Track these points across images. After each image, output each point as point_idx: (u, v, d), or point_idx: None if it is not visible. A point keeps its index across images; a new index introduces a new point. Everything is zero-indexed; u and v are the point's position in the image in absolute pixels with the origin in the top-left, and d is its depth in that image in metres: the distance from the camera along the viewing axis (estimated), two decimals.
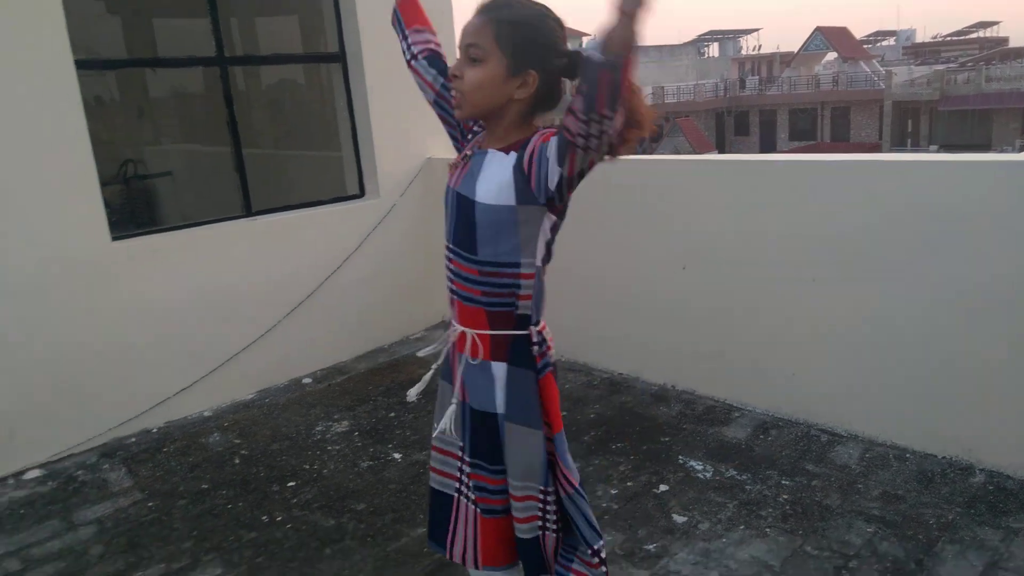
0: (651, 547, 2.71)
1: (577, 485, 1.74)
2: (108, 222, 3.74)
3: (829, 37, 48.54)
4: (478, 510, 1.78)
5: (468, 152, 1.70)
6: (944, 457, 3.10)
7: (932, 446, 3.13)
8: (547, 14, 1.56)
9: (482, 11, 1.54)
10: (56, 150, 3.55)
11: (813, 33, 49.25)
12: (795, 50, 51.94)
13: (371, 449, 3.64)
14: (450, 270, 1.71)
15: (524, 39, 1.51)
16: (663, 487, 3.10)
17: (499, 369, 1.67)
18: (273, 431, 3.90)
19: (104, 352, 3.77)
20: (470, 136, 1.83)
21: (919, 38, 68.94)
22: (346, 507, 3.15)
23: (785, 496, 2.96)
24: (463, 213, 1.63)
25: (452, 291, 1.72)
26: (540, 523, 1.73)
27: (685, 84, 48.09)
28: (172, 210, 6.80)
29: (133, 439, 3.88)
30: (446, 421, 1.75)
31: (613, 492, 3.08)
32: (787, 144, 42.12)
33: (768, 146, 42.77)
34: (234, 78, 4.83)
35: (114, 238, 3.77)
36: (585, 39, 56.88)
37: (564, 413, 1.95)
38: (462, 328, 1.70)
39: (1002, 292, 2.83)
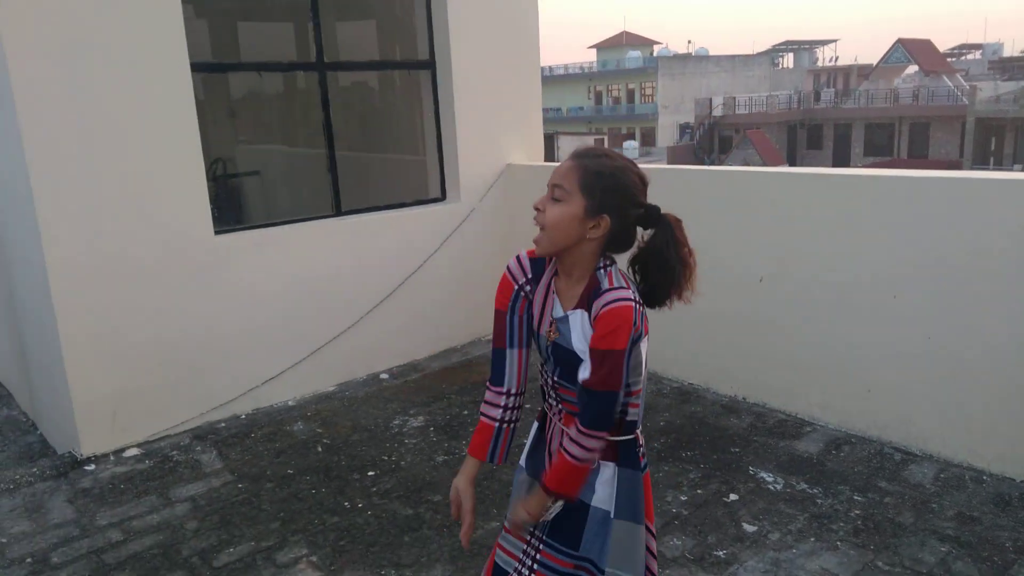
0: (721, 553, 2.76)
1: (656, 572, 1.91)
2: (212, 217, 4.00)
3: (910, 50, 47.08)
4: None
5: (539, 298, 1.81)
6: (1022, 481, 3.06)
7: (1010, 469, 3.09)
8: (631, 169, 1.71)
9: (574, 156, 1.72)
10: (172, 148, 3.82)
11: (894, 45, 47.83)
12: (874, 62, 50.57)
13: (446, 444, 3.78)
14: (558, 396, 1.81)
15: (604, 187, 1.66)
16: (733, 496, 3.14)
17: (607, 469, 1.78)
18: (353, 422, 4.08)
19: (202, 340, 4.02)
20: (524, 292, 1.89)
21: (1007, 52, 66.21)
22: (423, 498, 3.29)
23: (857, 511, 2.97)
24: (564, 360, 1.74)
25: (560, 409, 1.82)
26: None
27: (757, 95, 47.29)
28: (258, 207, 7.13)
29: (223, 424, 4.12)
30: (553, 511, 1.82)
31: (683, 499, 3.14)
32: (861, 159, 40.99)
33: (841, 161, 41.67)
34: (309, 81, 5.03)
35: (216, 232, 4.01)
36: (656, 47, 55.95)
37: None
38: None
39: None
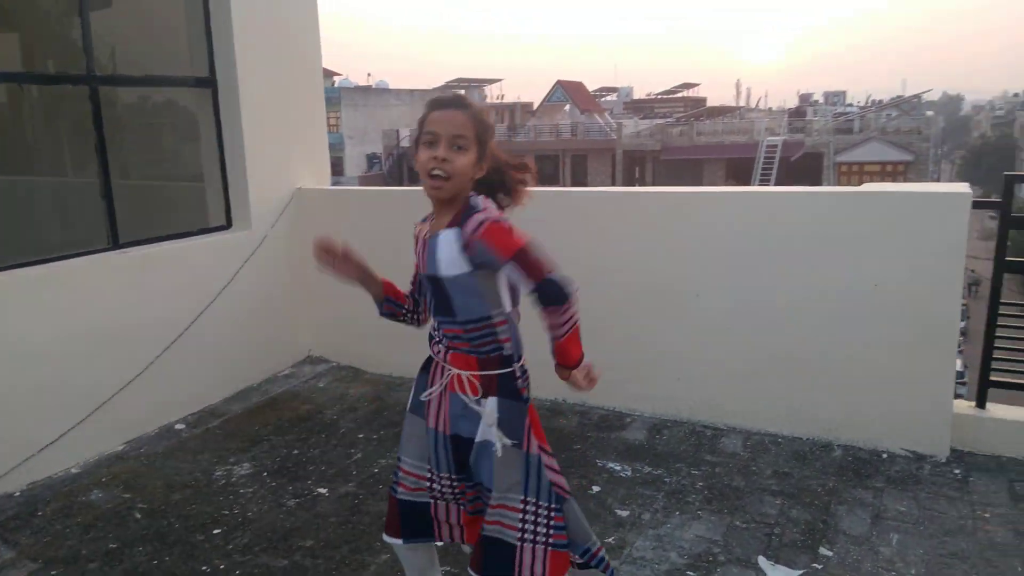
0: (611, 540, 2.98)
1: (568, 490, 2.09)
2: None
3: (568, 89, 53.20)
4: (461, 508, 2.18)
5: (422, 238, 2.02)
6: (808, 438, 3.75)
7: (797, 430, 3.77)
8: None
9: (459, 107, 1.91)
10: None
11: (554, 86, 53.62)
12: (533, 100, 56.15)
13: (290, 487, 3.52)
14: (441, 333, 2.04)
15: (485, 131, 1.93)
16: (596, 488, 3.39)
17: (490, 404, 1.98)
18: (165, 481, 3.60)
19: None
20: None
21: (636, 95, 77.76)
22: (293, 545, 3.04)
23: (700, 483, 3.39)
24: (437, 288, 1.97)
25: (447, 346, 2.04)
26: (519, 533, 1.97)
27: None
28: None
29: None
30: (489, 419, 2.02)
31: None
32: (535, 186, 45.12)
33: None
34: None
35: None
36: (337, 78, 55.59)
37: None
38: (457, 371, 2.00)
39: (857, 297, 3.54)
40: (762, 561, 2.79)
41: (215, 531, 3.16)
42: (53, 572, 2.90)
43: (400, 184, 47.58)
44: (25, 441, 3.53)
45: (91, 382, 3.81)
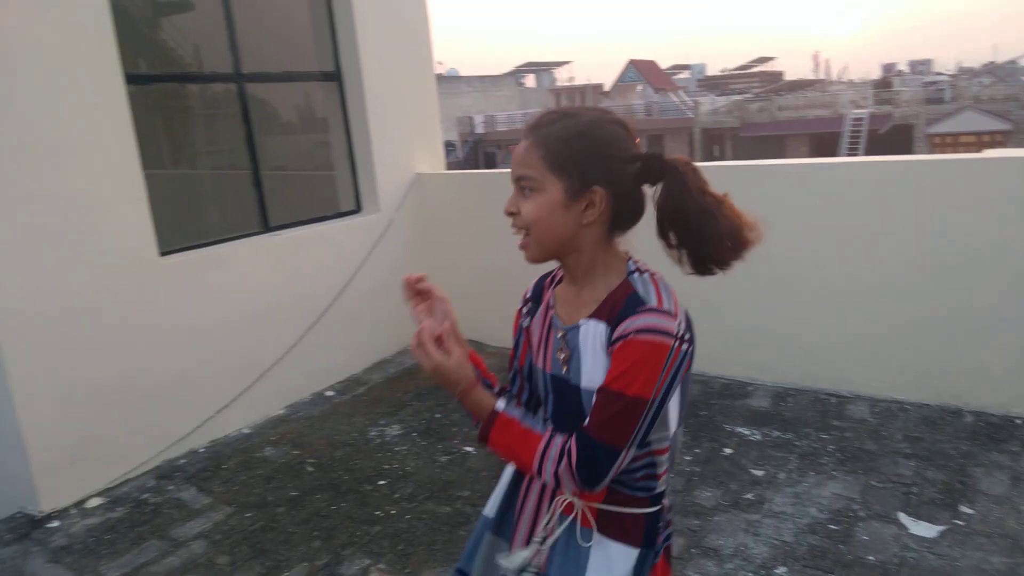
0: (749, 496, 3.17)
1: None
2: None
3: (640, 69, 52.65)
4: None
5: (543, 320, 1.46)
6: (937, 405, 3.83)
7: (925, 397, 3.86)
8: (606, 119, 1.33)
9: (527, 133, 1.33)
10: (111, 165, 3.47)
11: (627, 66, 53.09)
12: (604, 81, 55.74)
13: (439, 446, 3.83)
14: None
15: (579, 153, 1.29)
16: (727, 450, 3.58)
17: (625, 555, 1.39)
18: (327, 440, 3.97)
19: (153, 372, 3.69)
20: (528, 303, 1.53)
21: (709, 71, 76.15)
22: (452, 495, 3.34)
23: (832, 446, 3.54)
24: (566, 399, 1.38)
25: None
26: None
27: (513, 113, 49.98)
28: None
29: (183, 460, 3.80)
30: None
31: (688, 458, 3.52)
32: None
33: None
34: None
35: (162, 253, 3.70)
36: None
37: None
38: (570, 497, 1.42)
39: (982, 263, 3.61)
40: (903, 517, 2.93)
41: (380, 482, 3.50)
42: (247, 514, 3.28)
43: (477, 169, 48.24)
44: (204, 405, 3.94)
45: (252, 353, 4.21)
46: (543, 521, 1.45)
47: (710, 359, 4.33)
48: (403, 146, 5.21)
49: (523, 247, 1.36)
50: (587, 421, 1.28)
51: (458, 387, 1.37)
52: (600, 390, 1.26)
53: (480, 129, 48.50)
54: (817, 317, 4.07)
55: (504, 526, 1.55)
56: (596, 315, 1.33)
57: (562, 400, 1.39)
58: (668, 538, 1.45)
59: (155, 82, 5.46)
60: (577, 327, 1.35)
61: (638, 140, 1.35)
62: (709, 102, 47.97)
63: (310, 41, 4.98)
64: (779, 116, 41.26)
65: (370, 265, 4.89)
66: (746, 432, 3.74)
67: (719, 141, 44.52)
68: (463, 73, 60.93)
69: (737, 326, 4.30)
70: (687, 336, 1.28)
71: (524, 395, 1.54)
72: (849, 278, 3.94)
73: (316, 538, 3.07)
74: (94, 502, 3.42)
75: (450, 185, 5.46)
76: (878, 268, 3.85)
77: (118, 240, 3.53)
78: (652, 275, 1.34)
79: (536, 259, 1.36)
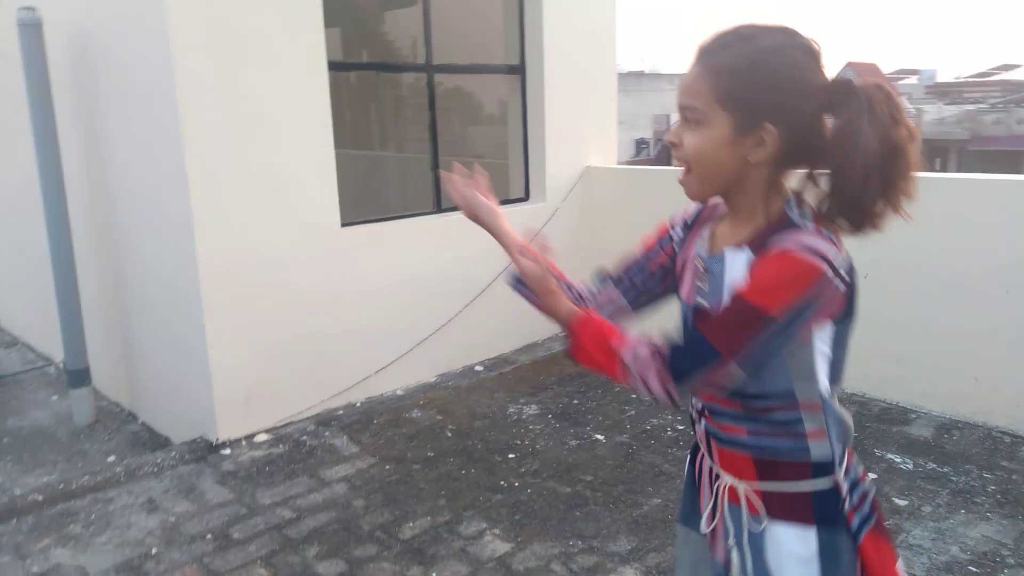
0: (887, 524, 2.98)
1: None
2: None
3: (859, 72, 49.07)
4: None
5: (689, 255, 1.38)
6: None
7: None
8: (785, 44, 1.19)
9: (697, 58, 1.22)
10: (309, 143, 3.92)
11: (844, 68, 49.73)
12: None
13: (571, 430, 3.93)
14: (702, 404, 1.34)
15: (753, 85, 1.17)
16: (872, 475, 3.37)
17: (805, 536, 1.25)
18: (469, 410, 4.20)
19: (326, 329, 4.10)
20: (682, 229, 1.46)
21: (940, 77, 69.38)
22: (575, 478, 3.43)
23: (992, 487, 3.22)
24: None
25: (708, 430, 1.35)
26: None
27: None
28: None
29: (341, 411, 4.19)
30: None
31: None
32: None
33: None
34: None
35: (343, 224, 4.10)
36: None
37: None
38: (730, 479, 1.33)
39: None
40: None
41: (510, 455, 3.66)
42: (387, 467, 3.57)
43: None
44: (364, 364, 4.31)
45: (413, 322, 4.53)
46: (706, 509, 1.38)
47: (870, 380, 4.10)
48: (576, 140, 5.33)
49: (683, 182, 1.28)
50: (701, 326, 1.18)
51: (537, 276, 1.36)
52: (731, 295, 1.17)
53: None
54: (1000, 346, 3.69)
55: (694, 517, 1.45)
56: (743, 245, 1.25)
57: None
58: (869, 519, 1.27)
59: (353, 69, 5.98)
60: (722, 256, 1.28)
61: (824, 68, 1.19)
62: (935, 111, 43.75)
63: (499, 35, 5.24)
64: (1017, 130, 36.80)
65: None
66: (897, 459, 3.50)
67: (942, 154, 40.47)
68: (665, 71, 60.11)
69: (906, 349, 4.00)
70: (846, 278, 1.15)
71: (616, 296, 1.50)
72: None
73: (442, 496, 3.29)
74: (261, 437, 3.87)
75: (619, 180, 5.51)
76: None
77: (307, 210, 3.95)
78: (815, 213, 1.21)
79: (695, 196, 1.30)
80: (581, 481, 3.40)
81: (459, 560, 2.85)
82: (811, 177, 1.22)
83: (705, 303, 1.29)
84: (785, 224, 1.20)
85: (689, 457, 1.50)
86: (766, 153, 1.19)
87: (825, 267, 1.11)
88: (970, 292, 3.75)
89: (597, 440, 3.80)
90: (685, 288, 1.36)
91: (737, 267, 1.23)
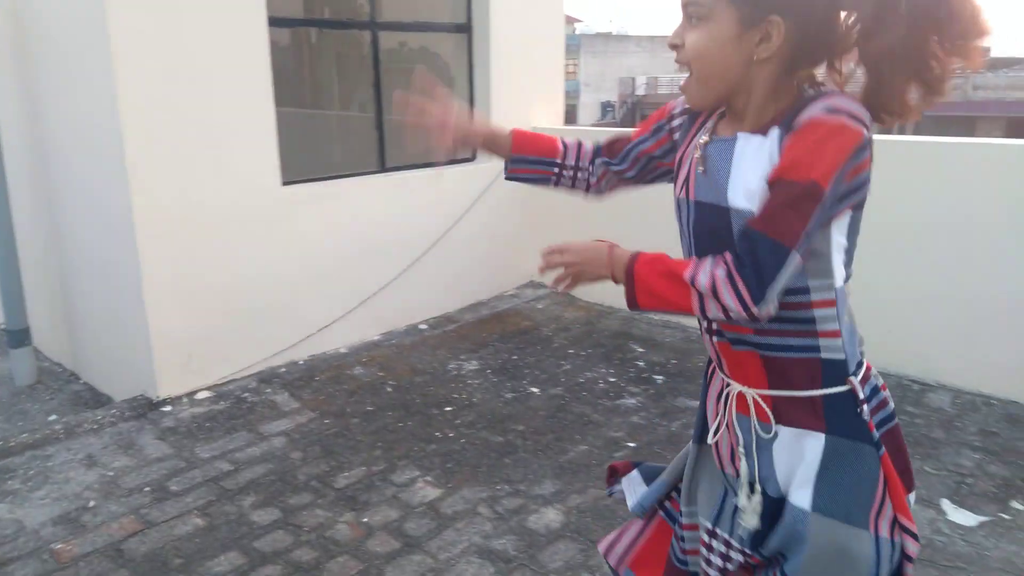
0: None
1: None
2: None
3: None
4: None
5: (700, 141, 1.27)
6: None
7: (1014, 393, 3.63)
8: None
9: None
10: (248, 100, 3.93)
11: None
12: None
13: (508, 384, 4.06)
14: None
15: None
16: None
17: (812, 442, 1.20)
18: (411, 367, 4.31)
19: (267, 287, 4.15)
20: (678, 126, 1.39)
21: None
22: (507, 428, 3.57)
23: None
24: (710, 227, 1.22)
25: (714, 333, 1.29)
26: None
27: (678, 76, 48.55)
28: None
29: (284, 369, 4.27)
30: (751, 520, 1.26)
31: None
32: None
33: None
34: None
35: (284, 183, 4.13)
36: (578, 25, 55.48)
37: None
38: (739, 387, 1.28)
39: None
40: (945, 503, 2.85)
41: (447, 408, 3.79)
42: (326, 421, 3.68)
43: None
44: (308, 323, 4.38)
45: (358, 281, 4.60)
46: (714, 420, 1.33)
47: None
48: (523, 100, 5.39)
49: (683, 88, 1.21)
50: (759, 222, 1.08)
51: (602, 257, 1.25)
52: (770, 183, 1.09)
53: (641, 91, 47.51)
54: (913, 299, 3.89)
55: (706, 433, 1.40)
56: (759, 131, 1.15)
57: (704, 226, 1.22)
58: (885, 424, 1.24)
59: (295, 25, 5.90)
60: (733, 139, 1.18)
61: None
62: None
63: None
64: (973, 96, 37.51)
65: (476, 211, 5.15)
66: None
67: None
68: (633, 33, 59.70)
69: None
70: (870, 124, 1.09)
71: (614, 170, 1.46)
72: (956, 259, 3.74)
73: (378, 448, 3.41)
74: (203, 395, 3.94)
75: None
76: (986, 250, 3.64)
77: (247, 168, 3.96)
78: (841, 93, 1.14)
79: (697, 103, 1.22)
80: (513, 431, 3.54)
81: (390, 506, 2.98)
82: (832, 67, 1.16)
83: (706, 198, 1.21)
84: (804, 99, 1.13)
85: (704, 376, 1.45)
86: (772, 49, 1.12)
87: (867, 135, 1.07)
88: (885, 249, 3.93)
89: (532, 393, 3.94)
90: (685, 187, 1.27)
91: (755, 149, 1.15)
